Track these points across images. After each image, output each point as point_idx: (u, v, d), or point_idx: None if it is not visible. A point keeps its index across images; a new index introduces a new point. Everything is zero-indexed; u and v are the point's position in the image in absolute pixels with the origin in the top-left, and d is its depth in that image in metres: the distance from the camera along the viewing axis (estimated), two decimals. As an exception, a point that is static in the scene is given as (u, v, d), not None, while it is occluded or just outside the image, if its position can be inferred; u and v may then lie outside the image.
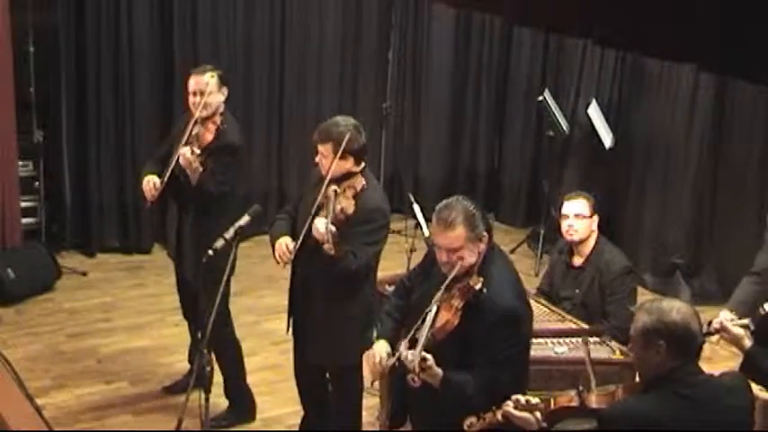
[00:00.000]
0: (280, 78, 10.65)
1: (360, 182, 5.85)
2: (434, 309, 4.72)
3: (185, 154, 6.37)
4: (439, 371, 4.62)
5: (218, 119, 6.64)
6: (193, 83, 6.64)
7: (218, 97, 6.66)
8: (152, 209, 6.95)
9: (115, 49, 9.61)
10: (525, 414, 4.49)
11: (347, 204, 5.74)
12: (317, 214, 5.71)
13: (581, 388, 4.52)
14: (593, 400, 4.45)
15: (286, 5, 10.51)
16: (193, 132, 6.54)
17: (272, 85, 10.61)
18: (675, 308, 4.15)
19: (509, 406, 4.50)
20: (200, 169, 6.42)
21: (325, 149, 5.80)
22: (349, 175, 5.85)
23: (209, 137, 6.57)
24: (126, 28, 9.59)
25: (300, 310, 6.11)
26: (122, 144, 9.83)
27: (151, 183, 6.57)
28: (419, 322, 4.72)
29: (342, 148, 5.73)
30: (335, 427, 6.32)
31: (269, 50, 10.52)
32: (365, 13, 11.05)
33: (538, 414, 4.47)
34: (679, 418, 4.08)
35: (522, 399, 4.50)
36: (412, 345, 4.68)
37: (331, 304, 5.94)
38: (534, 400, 4.50)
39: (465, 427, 4.57)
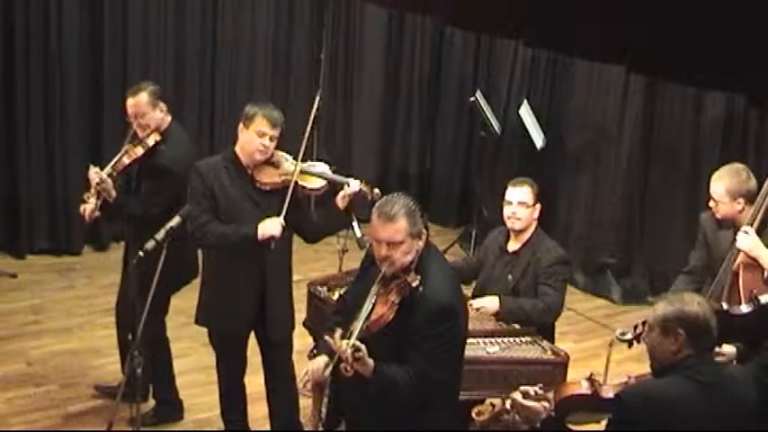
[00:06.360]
0: (211, 80, 10.62)
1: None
2: (371, 302, 4.75)
3: (91, 175, 6.51)
4: (371, 362, 4.62)
5: (151, 139, 6.64)
6: (128, 106, 6.69)
7: (154, 115, 6.66)
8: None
9: (45, 49, 9.50)
10: (534, 403, 4.60)
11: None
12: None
13: (592, 376, 4.66)
14: (607, 390, 4.62)
15: (218, 6, 10.48)
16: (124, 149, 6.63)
17: (203, 88, 10.57)
18: (697, 301, 4.36)
19: (518, 396, 4.63)
20: (112, 193, 6.52)
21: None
22: None
23: (139, 153, 6.60)
24: (56, 28, 9.49)
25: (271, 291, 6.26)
26: (52, 144, 9.72)
27: (86, 210, 6.66)
28: (355, 315, 4.77)
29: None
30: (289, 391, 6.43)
31: (200, 52, 10.48)
32: (297, 13, 11.03)
33: (545, 404, 4.60)
34: (691, 402, 4.26)
35: (531, 389, 4.64)
36: (347, 336, 4.71)
37: (288, 279, 6.36)
38: (542, 391, 4.63)
39: (473, 415, 4.64)
